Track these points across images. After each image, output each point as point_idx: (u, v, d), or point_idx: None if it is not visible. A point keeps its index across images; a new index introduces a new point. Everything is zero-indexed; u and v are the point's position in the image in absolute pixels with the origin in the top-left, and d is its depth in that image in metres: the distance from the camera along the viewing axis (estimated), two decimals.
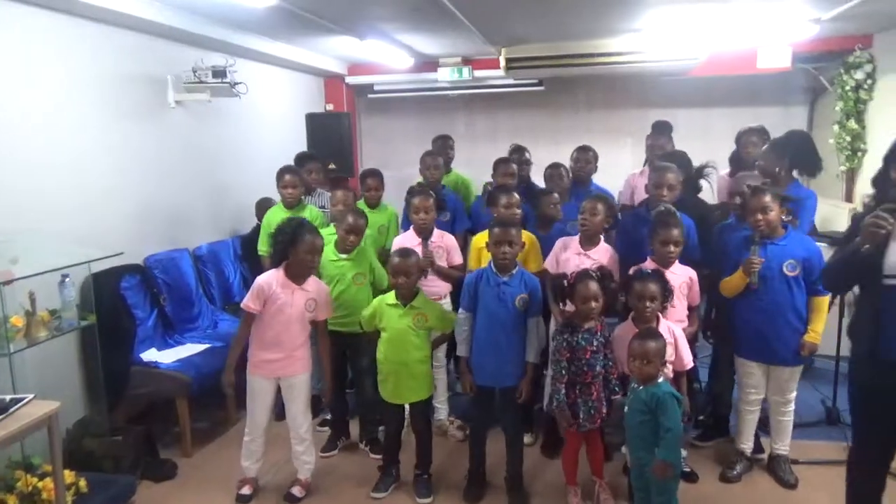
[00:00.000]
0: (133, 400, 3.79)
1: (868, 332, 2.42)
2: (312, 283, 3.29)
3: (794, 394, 3.37)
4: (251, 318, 3.21)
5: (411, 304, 3.26)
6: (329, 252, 3.68)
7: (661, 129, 4.83)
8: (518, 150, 4.78)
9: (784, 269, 3.17)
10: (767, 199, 3.15)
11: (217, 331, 4.39)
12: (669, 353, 2.95)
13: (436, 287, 3.78)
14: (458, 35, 5.29)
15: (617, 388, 3.07)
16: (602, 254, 3.46)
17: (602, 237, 3.53)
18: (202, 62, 4.57)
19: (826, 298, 3.25)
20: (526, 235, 3.52)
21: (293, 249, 3.15)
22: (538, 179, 4.49)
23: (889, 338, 2.35)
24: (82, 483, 2.99)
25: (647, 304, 2.99)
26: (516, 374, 3.20)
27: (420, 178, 4.50)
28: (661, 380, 2.76)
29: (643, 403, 2.73)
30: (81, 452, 3.36)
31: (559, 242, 3.57)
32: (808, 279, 3.19)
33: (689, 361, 3.11)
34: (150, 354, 3.87)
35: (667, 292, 3.04)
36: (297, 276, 3.21)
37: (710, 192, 4.22)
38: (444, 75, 6.68)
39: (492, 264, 3.22)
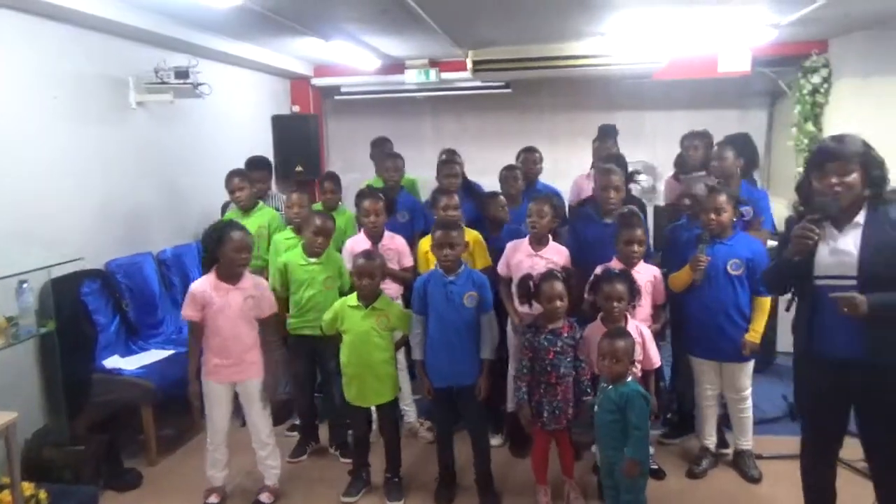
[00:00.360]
0: (95, 408, 3.70)
1: (803, 331, 2.53)
2: (248, 280, 3.23)
3: (748, 390, 3.45)
4: (195, 327, 3.17)
5: (373, 305, 3.25)
6: (297, 257, 3.65)
7: (607, 133, 4.92)
8: (448, 153, 4.81)
9: (728, 268, 3.25)
10: (723, 199, 3.24)
11: (182, 336, 4.28)
12: (638, 353, 2.99)
13: (387, 290, 3.77)
14: (425, 37, 5.29)
15: (588, 390, 3.09)
16: (553, 253, 3.51)
17: (551, 237, 3.58)
18: (164, 63, 4.49)
19: (768, 299, 3.34)
20: (471, 234, 3.59)
21: (221, 250, 3.10)
22: (489, 182, 4.53)
23: (821, 336, 2.46)
24: (42, 495, 2.90)
25: (615, 304, 3.03)
26: (473, 373, 3.21)
27: (368, 181, 4.48)
28: (629, 379, 2.80)
29: (612, 403, 2.75)
30: (41, 463, 3.27)
31: (510, 246, 3.60)
32: (752, 279, 3.27)
33: (656, 360, 3.16)
34: (112, 361, 3.79)
35: (634, 292, 3.09)
36: (229, 276, 3.16)
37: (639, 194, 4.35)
38: (412, 77, 6.66)
39: (438, 266, 3.24)
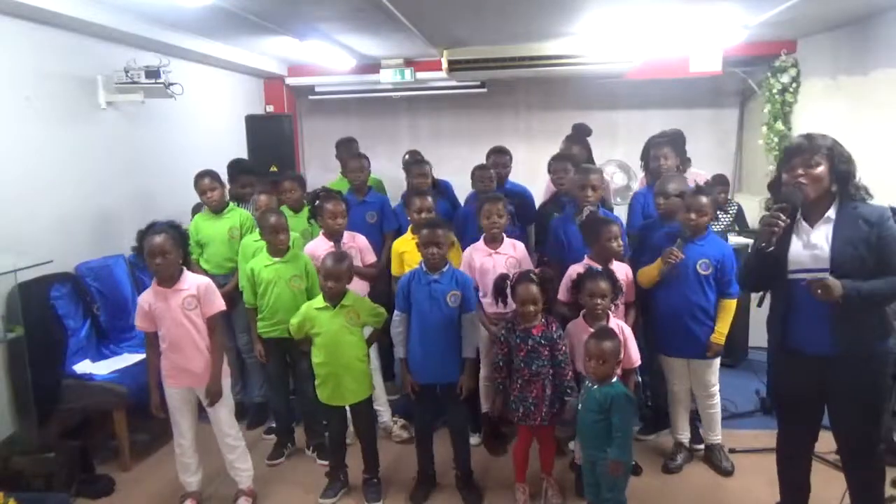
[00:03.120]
0: (66, 414, 3.63)
1: (777, 325, 2.59)
2: (187, 279, 3.13)
3: (716, 386, 3.49)
4: (150, 337, 3.13)
5: (341, 303, 3.23)
6: (263, 258, 3.62)
7: (578, 134, 4.95)
8: (413, 153, 4.94)
9: (698, 267, 3.28)
10: (706, 201, 3.25)
11: None
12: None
13: (353, 288, 3.75)
14: (400, 37, 5.28)
15: (570, 390, 3.08)
16: (509, 248, 3.56)
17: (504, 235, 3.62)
18: (135, 62, 4.42)
19: (734, 301, 3.35)
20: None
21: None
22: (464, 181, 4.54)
23: (795, 329, 2.53)
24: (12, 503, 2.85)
25: (599, 301, 3.05)
26: (455, 371, 3.23)
27: (326, 184, 4.44)
28: (615, 380, 2.80)
29: (597, 403, 2.75)
30: (10, 472, 3.21)
31: (467, 251, 3.63)
32: (720, 280, 3.30)
33: (636, 359, 3.18)
34: (83, 366, 3.72)
35: (617, 289, 3.11)
36: (164, 280, 3.09)
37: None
38: (387, 77, 6.65)
39: (422, 264, 3.25)
